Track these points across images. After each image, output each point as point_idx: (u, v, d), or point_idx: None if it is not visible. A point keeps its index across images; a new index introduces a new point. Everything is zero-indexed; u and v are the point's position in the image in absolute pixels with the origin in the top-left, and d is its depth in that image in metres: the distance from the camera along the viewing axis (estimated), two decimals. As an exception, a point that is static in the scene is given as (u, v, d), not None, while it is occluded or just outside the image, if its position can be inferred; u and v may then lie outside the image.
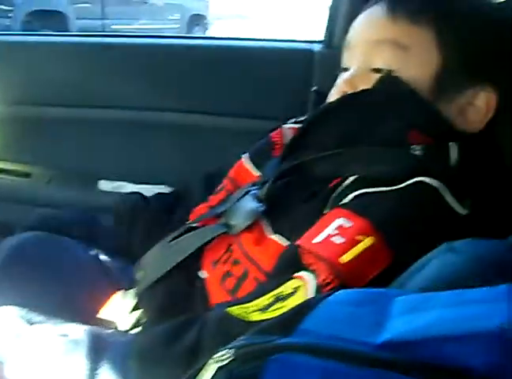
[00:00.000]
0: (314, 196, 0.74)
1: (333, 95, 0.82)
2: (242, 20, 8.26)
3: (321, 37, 1.32)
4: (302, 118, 0.96)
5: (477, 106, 0.75)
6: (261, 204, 0.76)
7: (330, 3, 1.29)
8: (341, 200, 0.69)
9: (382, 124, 0.73)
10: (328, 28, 1.29)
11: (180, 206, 1.03)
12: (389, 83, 0.73)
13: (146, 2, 5.84)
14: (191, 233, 0.83)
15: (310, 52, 1.27)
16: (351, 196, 0.68)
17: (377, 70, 0.76)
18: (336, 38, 1.27)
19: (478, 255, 0.57)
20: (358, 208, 0.66)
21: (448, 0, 0.78)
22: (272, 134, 0.95)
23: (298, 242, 0.66)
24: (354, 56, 0.80)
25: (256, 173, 0.91)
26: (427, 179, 0.66)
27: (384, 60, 0.75)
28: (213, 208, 0.91)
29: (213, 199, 0.95)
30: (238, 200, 0.81)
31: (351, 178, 0.71)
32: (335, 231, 0.64)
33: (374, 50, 0.76)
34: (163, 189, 1.31)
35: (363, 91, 0.75)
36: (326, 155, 0.73)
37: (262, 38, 1.37)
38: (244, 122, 1.30)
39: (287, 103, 1.27)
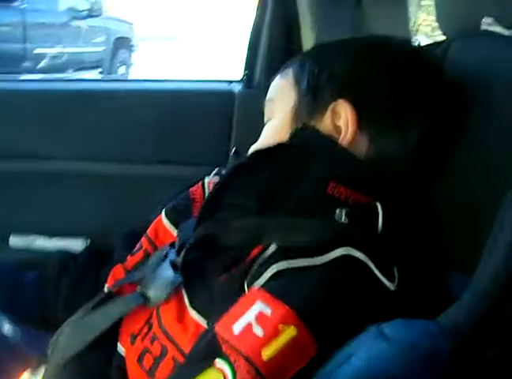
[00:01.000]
0: (232, 266, 0.68)
1: None
2: (168, 41, 8.18)
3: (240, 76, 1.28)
4: (217, 170, 0.91)
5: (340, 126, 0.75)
6: (178, 275, 0.70)
7: (248, 42, 1.25)
8: (260, 277, 0.63)
9: (297, 180, 0.70)
10: (247, 67, 1.25)
11: (107, 265, 0.95)
12: (293, 135, 0.75)
13: (69, 25, 5.68)
14: (107, 304, 0.77)
15: (230, 93, 1.23)
16: (270, 271, 0.63)
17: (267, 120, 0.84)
18: (256, 77, 1.23)
19: (410, 343, 0.53)
20: (278, 290, 0.60)
21: (306, 53, 0.91)
22: (191, 190, 0.90)
23: (216, 329, 0.61)
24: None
25: (174, 233, 0.85)
26: (353, 251, 0.62)
27: (267, 111, 0.84)
28: (129, 271, 0.85)
29: (130, 260, 0.88)
30: (155, 267, 0.75)
31: (271, 248, 0.66)
32: (254, 319, 0.58)
33: (268, 106, 0.85)
34: (80, 242, 1.23)
35: (268, 148, 0.73)
36: (243, 224, 0.67)
37: (181, 79, 1.32)
38: (168, 169, 1.24)
39: (210, 147, 1.22)
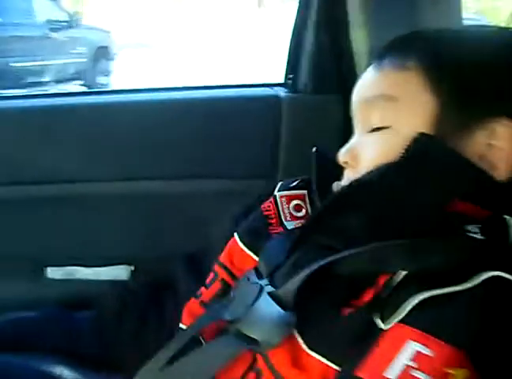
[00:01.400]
0: (353, 299, 0.59)
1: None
2: (145, 48, 8.03)
3: (281, 80, 1.19)
4: (294, 183, 0.82)
5: (497, 146, 0.64)
6: (289, 312, 0.61)
7: (289, 43, 1.16)
8: (400, 310, 0.55)
9: (413, 199, 0.60)
10: (291, 69, 1.16)
11: (168, 297, 0.86)
12: (415, 149, 0.62)
13: (49, 37, 5.55)
14: (201, 351, 0.66)
15: (276, 98, 1.14)
16: (411, 303, 0.54)
17: (375, 129, 0.67)
18: (302, 80, 1.15)
19: None
20: (432, 326, 0.52)
21: (433, 41, 0.69)
22: (263, 206, 0.81)
23: (361, 374, 0.52)
24: (356, 121, 0.71)
25: (254, 257, 0.76)
26: (502, 273, 0.54)
27: (375, 118, 0.67)
28: (211, 307, 0.75)
29: (206, 293, 0.79)
30: (252, 303, 0.65)
31: (400, 275, 0.57)
32: (412, 363, 0.50)
33: (368, 109, 0.68)
34: (124, 269, 1.13)
35: (387, 167, 0.62)
36: (364, 250, 0.59)
37: (221, 85, 1.21)
38: (211, 184, 1.14)
39: (258, 157, 1.13)
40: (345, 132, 1.14)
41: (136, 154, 1.14)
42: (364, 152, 0.67)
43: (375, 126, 0.66)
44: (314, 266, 0.60)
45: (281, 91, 1.16)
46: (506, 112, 0.63)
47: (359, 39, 1.06)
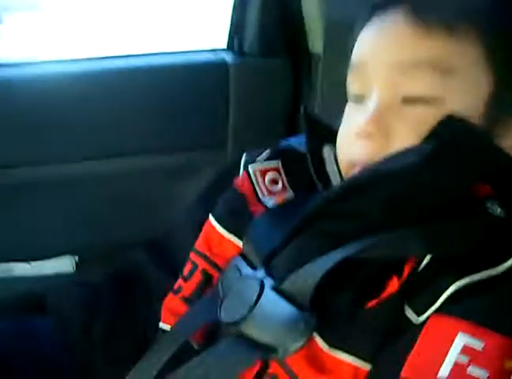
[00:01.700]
0: (376, 290, 0.54)
1: (345, 136, 0.63)
2: (35, 11, 7.49)
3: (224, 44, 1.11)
4: (263, 154, 0.75)
5: None
6: (307, 313, 0.54)
7: (233, 2, 1.07)
8: (434, 298, 0.51)
9: (438, 186, 0.55)
10: (234, 30, 1.08)
11: (139, 292, 0.77)
12: (462, 130, 0.55)
13: None
14: (202, 359, 0.58)
15: (222, 63, 1.05)
16: (448, 291, 0.50)
17: (411, 100, 0.57)
18: (248, 43, 1.07)
19: None
20: (480, 316, 0.48)
21: (493, 4, 0.60)
22: (237, 183, 0.73)
23: (407, 374, 0.47)
24: (369, 82, 0.60)
25: (237, 241, 0.68)
26: None
27: (421, 87, 0.57)
28: (198, 303, 0.67)
29: (186, 287, 0.70)
30: (257, 299, 0.58)
31: (426, 260, 0.53)
32: (464, 357, 0.46)
33: (403, 75, 0.58)
34: (68, 261, 1.03)
35: (414, 157, 0.54)
36: (387, 238, 0.53)
37: (161, 51, 1.10)
38: (160, 159, 1.05)
39: (205, 128, 1.06)
40: (294, 96, 1.10)
41: (70, 132, 1.02)
42: (399, 126, 0.57)
43: (409, 95, 0.58)
44: (336, 257, 0.54)
45: (227, 56, 1.07)
46: None
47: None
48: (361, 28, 0.63)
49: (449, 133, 0.55)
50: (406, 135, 0.57)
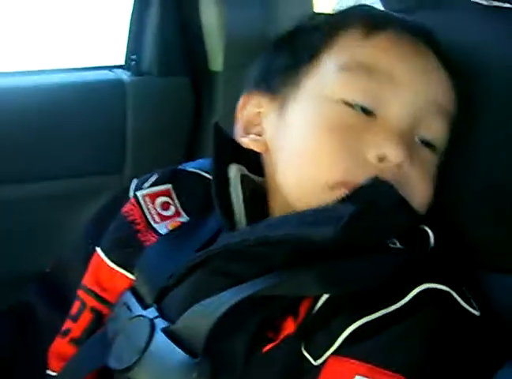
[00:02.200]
0: (269, 330, 0.52)
1: (343, 151, 0.56)
2: None
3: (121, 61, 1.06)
4: (152, 178, 0.71)
5: None
6: (198, 359, 0.51)
7: (130, 20, 1.03)
8: (332, 340, 0.50)
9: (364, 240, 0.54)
10: (131, 50, 1.04)
11: (32, 335, 0.71)
12: (387, 191, 0.54)
13: None
14: None
15: (118, 82, 1.01)
16: (344, 334, 0.49)
17: (424, 142, 0.58)
18: (146, 62, 1.04)
19: None
20: (376, 357, 0.48)
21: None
22: (125, 210, 0.69)
23: None
24: (394, 98, 0.57)
25: (127, 275, 0.65)
26: (433, 285, 0.51)
27: (436, 132, 0.59)
28: (85, 346, 0.63)
29: (74, 328, 0.66)
30: (147, 344, 0.54)
31: (323, 299, 0.52)
32: None
33: (429, 113, 0.58)
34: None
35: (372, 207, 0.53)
36: (288, 277, 0.52)
37: (54, 68, 1.03)
38: (51, 186, 0.99)
39: (101, 152, 1.01)
40: (195, 117, 1.08)
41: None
42: (415, 169, 0.57)
43: (427, 139, 0.58)
44: (234, 298, 0.51)
45: (124, 74, 1.03)
46: None
47: (210, 16, 0.98)
48: (357, 30, 0.60)
49: (371, 197, 0.53)
50: (417, 175, 0.57)
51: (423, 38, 0.60)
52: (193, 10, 0.98)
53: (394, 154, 0.54)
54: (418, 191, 0.57)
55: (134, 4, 1.03)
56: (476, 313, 0.53)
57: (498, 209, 0.62)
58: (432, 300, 0.50)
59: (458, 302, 0.51)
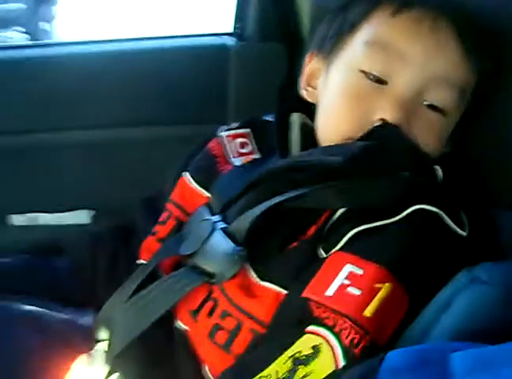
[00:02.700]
0: (298, 234, 0.68)
1: (358, 112, 0.71)
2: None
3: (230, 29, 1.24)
4: (236, 125, 0.89)
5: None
6: (240, 248, 0.68)
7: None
8: (338, 241, 0.64)
9: (375, 171, 0.68)
10: (238, 19, 1.21)
11: (132, 237, 0.92)
12: (396, 136, 0.68)
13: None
14: (162, 284, 0.74)
15: (223, 47, 1.19)
16: (348, 235, 0.64)
17: (432, 106, 0.70)
18: (249, 30, 1.20)
19: (505, 284, 0.55)
20: (364, 251, 0.62)
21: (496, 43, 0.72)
22: (209, 146, 0.88)
23: (306, 294, 0.61)
24: (404, 72, 0.69)
25: (205, 194, 0.83)
26: (426, 206, 0.63)
27: (443, 100, 0.70)
28: (166, 242, 0.82)
29: (161, 230, 0.85)
30: (206, 239, 0.73)
31: (340, 212, 0.66)
32: (347, 281, 0.59)
33: (436, 84, 0.69)
34: (85, 214, 1.20)
35: (381, 146, 0.67)
36: (311, 190, 0.67)
37: (169, 35, 1.25)
38: (166, 131, 1.20)
39: (209, 104, 1.19)
40: (289, 78, 1.22)
41: (88, 104, 1.17)
42: (415, 122, 0.69)
43: (434, 104, 0.69)
44: (266, 205, 0.68)
45: (229, 40, 1.21)
46: None
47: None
48: (389, 8, 0.70)
49: (379, 137, 0.67)
50: (420, 132, 0.69)
51: (446, 15, 0.69)
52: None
53: (391, 118, 0.67)
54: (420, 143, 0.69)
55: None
56: (463, 233, 0.64)
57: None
58: (421, 217, 0.63)
59: (446, 222, 0.63)
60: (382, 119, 0.68)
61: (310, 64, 0.81)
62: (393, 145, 0.67)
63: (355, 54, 0.72)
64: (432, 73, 0.68)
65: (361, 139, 0.68)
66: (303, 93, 0.80)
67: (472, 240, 0.64)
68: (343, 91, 0.72)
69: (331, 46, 0.76)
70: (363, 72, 0.70)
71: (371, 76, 0.69)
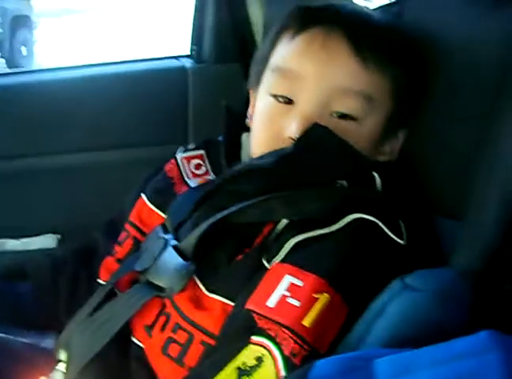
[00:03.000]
0: (245, 247, 0.70)
1: (269, 132, 0.75)
2: (72, 15, 7.80)
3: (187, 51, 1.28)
4: (193, 146, 0.92)
5: (398, 138, 0.78)
6: (189, 262, 0.71)
7: (193, 15, 1.24)
8: (279, 251, 0.66)
9: (311, 175, 0.71)
10: (194, 41, 1.25)
11: (94, 259, 0.94)
12: (324, 135, 0.70)
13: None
14: (117, 301, 0.76)
15: (182, 69, 1.22)
16: (289, 245, 0.66)
17: (339, 115, 0.73)
18: (206, 51, 1.24)
19: (436, 290, 0.58)
20: (302, 262, 0.64)
21: (405, 45, 0.76)
22: (166, 169, 0.90)
23: (249, 306, 0.63)
24: (303, 91, 0.73)
25: (162, 214, 0.86)
26: (363, 215, 0.65)
27: (348, 108, 0.72)
28: (124, 261, 0.85)
29: (120, 250, 0.88)
30: (158, 255, 0.75)
31: (283, 223, 0.69)
32: (287, 292, 0.62)
33: (337, 95, 0.72)
34: (51, 239, 1.21)
35: (312, 147, 0.70)
36: (254, 203, 0.69)
37: (130, 59, 1.29)
38: (130, 153, 1.23)
39: (169, 125, 1.22)
40: (247, 98, 1.26)
41: (56, 130, 1.20)
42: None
43: (337, 111, 0.72)
44: (210, 220, 0.71)
45: (187, 62, 1.24)
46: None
47: (255, 13, 1.16)
48: (289, 33, 0.76)
49: (310, 138, 0.70)
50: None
51: (338, 30, 0.72)
52: (241, 9, 1.17)
53: (296, 135, 0.71)
54: None
55: (196, 6, 1.24)
56: (401, 242, 0.66)
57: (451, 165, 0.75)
58: (358, 226, 0.65)
59: (384, 231, 0.66)
60: (291, 137, 0.71)
61: (252, 98, 0.85)
62: (322, 143, 0.70)
63: (266, 81, 0.77)
64: (329, 85, 0.71)
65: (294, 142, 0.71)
66: (247, 121, 0.84)
67: (410, 248, 0.67)
68: (259, 115, 0.77)
69: (255, 80, 0.81)
70: (273, 96, 0.75)
71: (280, 99, 0.74)
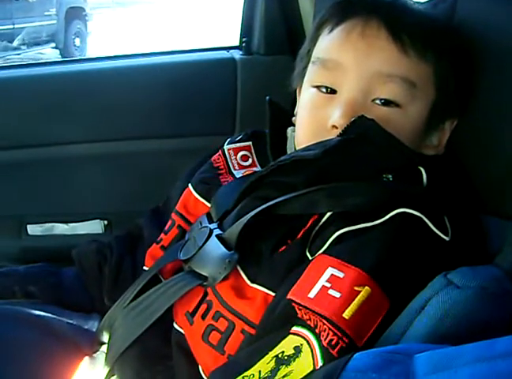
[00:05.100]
0: (288, 238, 0.70)
1: (315, 123, 0.75)
2: (123, 8, 7.95)
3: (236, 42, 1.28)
4: (239, 137, 0.92)
5: (445, 130, 0.76)
6: (232, 252, 0.72)
7: (243, 8, 1.25)
8: (323, 243, 0.66)
9: (358, 168, 0.70)
10: (244, 33, 1.25)
11: (139, 246, 0.96)
12: (371, 127, 0.69)
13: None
14: (160, 288, 0.77)
15: (232, 60, 1.23)
16: (332, 237, 0.66)
17: (382, 102, 0.72)
18: (255, 43, 1.24)
19: (481, 287, 0.56)
20: (345, 254, 0.63)
21: (446, 33, 0.75)
22: (213, 159, 0.91)
23: (290, 296, 0.63)
24: (345, 80, 0.73)
25: (207, 204, 0.87)
26: (408, 210, 0.65)
27: (391, 93, 0.72)
28: (169, 249, 0.86)
29: (165, 238, 0.89)
30: (202, 244, 0.76)
31: (327, 215, 0.69)
32: (328, 283, 0.61)
33: (379, 81, 0.72)
34: (98, 224, 1.24)
35: (359, 139, 0.68)
36: (299, 195, 0.69)
37: (182, 50, 1.31)
38: (177, 143, 1.25)
39: (217, 116, 1.23)
40: (294, 91, 1.25)
41: (107, 117, 1.23)
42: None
43: (379, 97, 0.71)
44: (255, 211, 0.71)
45: (237, 54, 1.24)
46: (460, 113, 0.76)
47: (305, 5, 1.16)
48: (328, 26, 0.76)
49: (357, 131, 0.69)
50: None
51: (377, 19, 0.72)
52: (293, 1, 1.17)
53: (341, 122, 0.70)
54: None
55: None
56: (446, 237, 0.65)
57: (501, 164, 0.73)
58: (403, 221, 0.64)
59: (428, 226, 0.65)
60: (334, 125, 0.71)
61: (298, 96, 0.85)
62: (369, 136, 0.69)
63: (308, 74, 0.78)
64: (370, 72, 0.72)
65: (339, 135, 0.70)
66: (293, 119, 0.84)
67: (455, 244, 0.66)
68: (303, 107, 0.78)
69: (300, 77, 0.82)
70: (316, 87, 0.75)
71: (323, 89, 0.75)
